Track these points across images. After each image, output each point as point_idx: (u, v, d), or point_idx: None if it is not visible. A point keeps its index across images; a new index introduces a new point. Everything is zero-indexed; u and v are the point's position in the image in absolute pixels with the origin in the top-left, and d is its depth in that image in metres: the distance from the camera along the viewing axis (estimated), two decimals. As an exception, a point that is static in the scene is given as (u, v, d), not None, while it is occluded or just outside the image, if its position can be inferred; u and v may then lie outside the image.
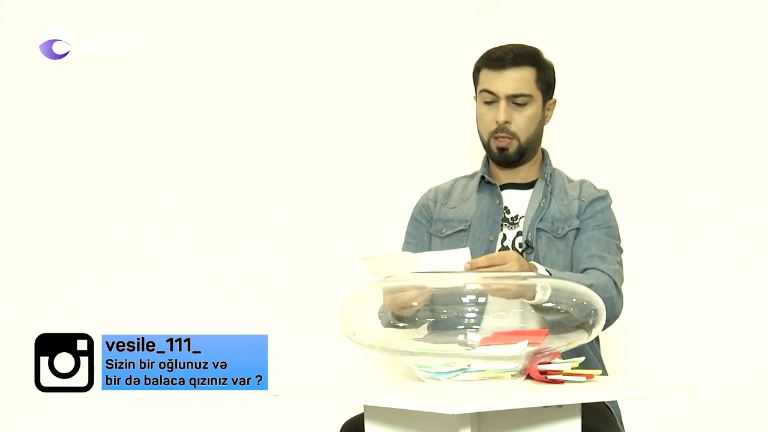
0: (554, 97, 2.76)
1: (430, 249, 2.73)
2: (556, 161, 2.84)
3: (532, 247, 2.63)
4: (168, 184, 3.25)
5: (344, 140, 3.34)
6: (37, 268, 3.17)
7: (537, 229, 2.65)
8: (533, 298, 2.19)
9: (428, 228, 2.78)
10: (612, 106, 3.33)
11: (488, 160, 2.78)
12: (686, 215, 3.25)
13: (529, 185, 2.74)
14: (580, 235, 2.67)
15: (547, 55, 2.75)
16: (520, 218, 2.69)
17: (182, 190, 3.25)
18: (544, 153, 2.78)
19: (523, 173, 2.75)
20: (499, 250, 2.66)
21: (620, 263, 2.65)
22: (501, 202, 2.72)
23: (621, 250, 2.68)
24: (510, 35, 3.38)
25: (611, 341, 3.21)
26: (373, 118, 3.35)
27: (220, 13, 3.29)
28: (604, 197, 2.71)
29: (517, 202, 2.72)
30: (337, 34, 3.35)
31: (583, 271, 2.60)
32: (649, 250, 3.25)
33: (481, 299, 2.38)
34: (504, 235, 2.69)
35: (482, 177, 2.76)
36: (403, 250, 2.78)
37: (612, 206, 2.71)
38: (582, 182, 2.75)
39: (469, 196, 2.77)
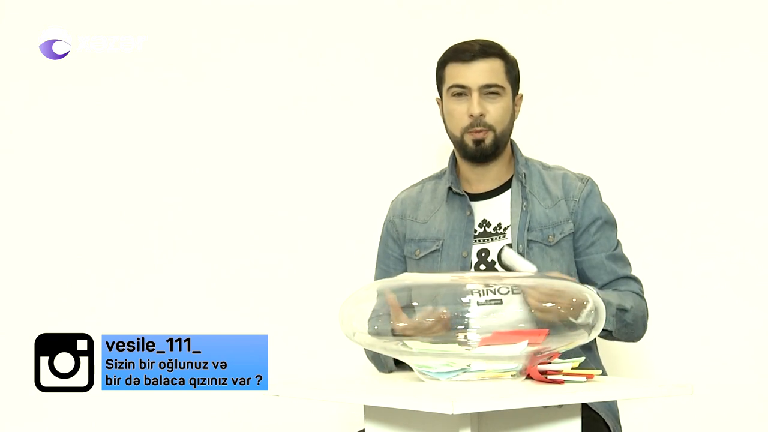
0: (521, 92, 2.68)
1: (404, 271, 2.65)
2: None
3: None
4: (168, 184, 3.25)
5: (344, 140, 3.34)
6: (37, 268, 3.17)
7: (528, 240, 2.58)
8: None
9: (399, 250, 2.70)
10: (612, 106, 3.32)
11: (455, 163, 2.68)
12: (686, 215, 3.25)
13: (502, 188, 2.65)
14: (586, 251, 2.63)
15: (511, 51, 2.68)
16: (506, 228, 2.61)
17: (182, 190, 3.25)
18: (513, 147, 2.69)
19: (494, 173, 2.64)
20: (477, 266, 2.61)
21: (629, 262, 2.65)
22: (471, 213, 2.62)
23: (619, 243, 2.66)
24: (510, 35, 3.38)
25: (611, 341, 3.21)
26: (373, 118, 3.35)
27: (220, 13, 3.29)
28: (592, 190, 2.64)
29: (495, 210, 2.64)
30: (337, 34, 3.35)
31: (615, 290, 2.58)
32: (648, 250, 3.25)
33: (481, 299, 2.38)
34: (486, 250, 2.61)
35: (449, 188, 2.66)
36: (376, 273, 2.73)
37: (600, 191, 2.66)
38: (564, 176, 2.66)
39: (438, 207, 2.68)
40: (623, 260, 2.65)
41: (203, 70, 3.28)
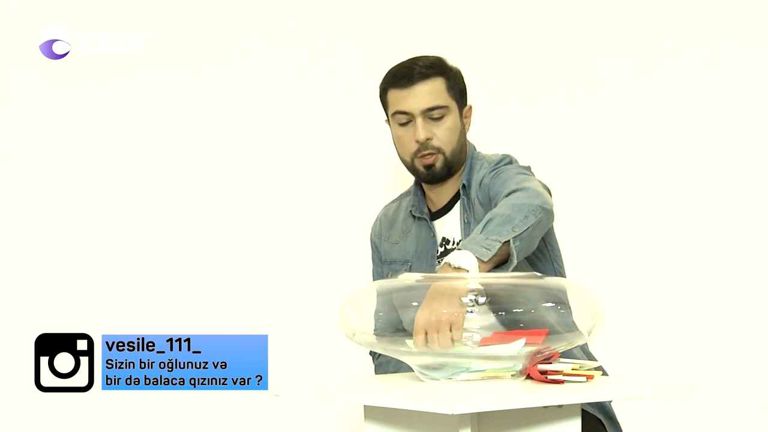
0: (468, 103, 2.62)
1: None
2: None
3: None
4: (168, 184, 3.25)
5: (345, 140, 3.34)
6: (37, 268, 3.17)
7: None
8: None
9: (382, 268, 2.71)
10: (610, 107, 3.33)
11: (421, 185, 2.65)
12: (685, 214, 3.25)
13: (453, 201, 2.61)
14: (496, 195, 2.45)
15: (453, 61, 2.62)
16: (458, 242, 2.57)
17: (182, 191, 3.25)
18: (471, 153, 2.62)
19: (451, 188, 2.61)
20: None
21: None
22: (435, 234, 2.60)
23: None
24: (508, 35, 3.38)
25: (610, 341, 3.21)
26: (373, 119, 3.35)
27: (220, 13, 3.29)
28: (502, 158, 2.54)
29: (449, 226, 2.60)
30: (337, 34, 3.35)
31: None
32: (648, 250, 3.25)
33: (481, 299, 2.38)
34: None
35: (410, 211, 2.63)
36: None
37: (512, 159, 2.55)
38: (482, 164, 2.57)
39: (410, 227, 2.65)
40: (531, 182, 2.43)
41: (203, 71, 3.28)
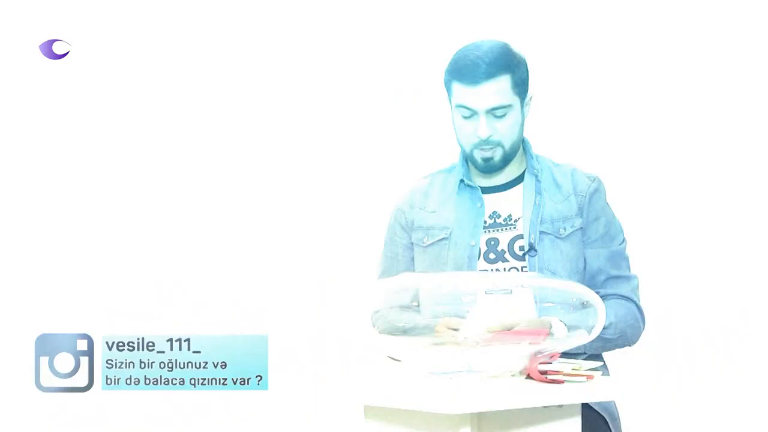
0: (530, 92, 2.62)
1: (411, 259, 2.65)
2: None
3: (536, 250, 2.59)
4: (168, 184, 3.25)
5: (345, 141, 3.34)
6: (37, 268, 3.17)
7: (539, 231, 2.60)
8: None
9: (407, 237, 2.69)
10: (611, 107, 3.33)
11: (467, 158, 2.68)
12: (685, 214, 3.25)
13: (514, 182, 2.65)
14: (589, 246, 2.62)
15: (519, 48, 2.60)
16: (517, 219, 2.62)
17: (182, 191, 3.25)
18: (525, 143, 2.68)
19: (506, 171, 2.64)
20: (486, 254, 2.61)
21: (631, 272, 2.64)
22: (482, 204, 2.62)
23: (625, 240, 2.66)
24: (509, 35, 3.38)
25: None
26: (374, 118, 3.35)
27: (219, 13, 3.29)
28: (598, 189, 2.63)
29: (507, 202, 2.63)
30: (337, 34, 3.35)
31: (602, 297, 2.55)
32: (648, 250, 3.25)
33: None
34: (496, 239, 2.62)
35: (461, 180, 2.66)
36: (383, 261, 2.73)
37: (605, 191, 2.66)
38: (573, 171, 2.65)
39: (448, 198, 2.67)
40: (619, 260, 2.64)
41: (203, 71, 3.28)
